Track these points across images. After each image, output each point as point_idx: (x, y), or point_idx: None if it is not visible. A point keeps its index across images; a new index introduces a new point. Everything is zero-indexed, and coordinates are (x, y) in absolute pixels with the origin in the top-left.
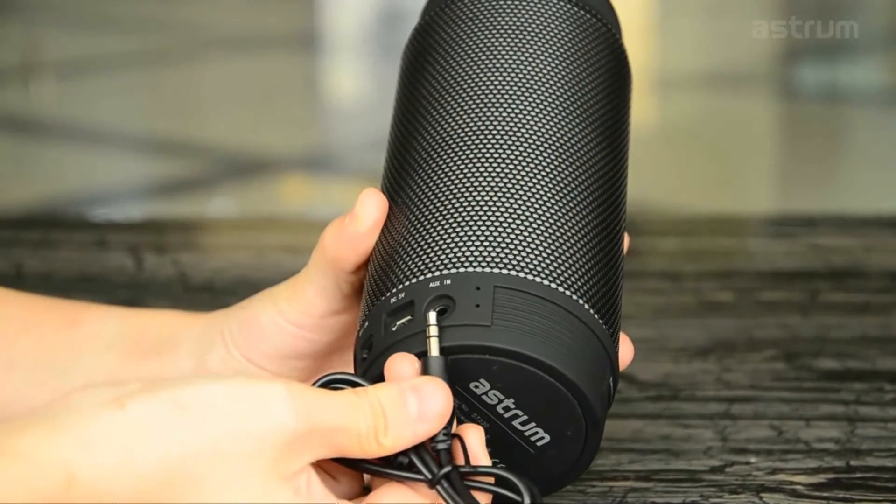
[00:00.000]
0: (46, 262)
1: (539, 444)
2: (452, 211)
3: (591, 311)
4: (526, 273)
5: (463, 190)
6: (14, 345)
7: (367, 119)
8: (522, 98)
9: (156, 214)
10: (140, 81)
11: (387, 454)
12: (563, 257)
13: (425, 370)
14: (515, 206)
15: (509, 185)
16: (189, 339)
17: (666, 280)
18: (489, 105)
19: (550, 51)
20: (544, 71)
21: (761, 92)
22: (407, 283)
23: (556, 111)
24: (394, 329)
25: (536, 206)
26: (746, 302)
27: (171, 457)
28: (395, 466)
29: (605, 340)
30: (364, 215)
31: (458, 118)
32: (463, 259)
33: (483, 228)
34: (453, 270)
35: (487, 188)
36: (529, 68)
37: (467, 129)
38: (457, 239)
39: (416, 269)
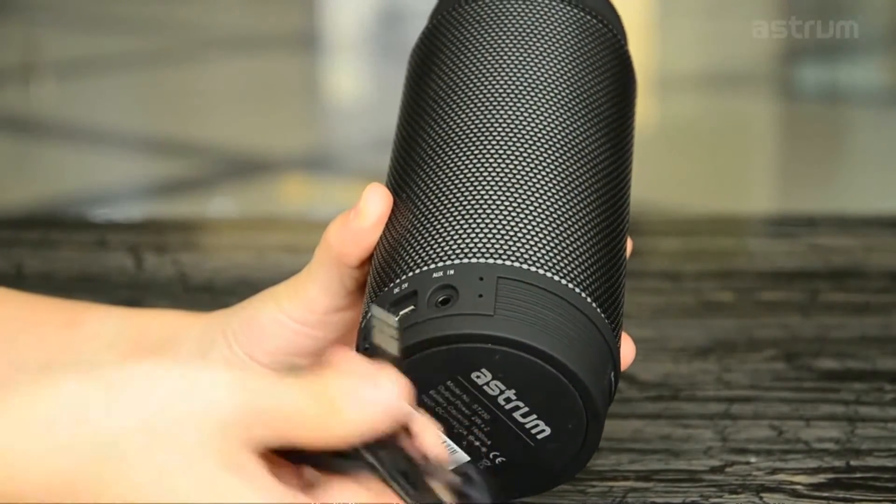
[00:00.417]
0: (46, 262)
1: (540, 437)
2: (457, 203)
3: (594, 304)
4: (529, 265)
5: (467, 184)
6: (14, 345)
7: (367, 119)
8: (528, 97)
9: (156, 214)
10: (140, 81)
11: (337, 444)
12: (567, 250)
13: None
14: (520, 199)
15: (514, 180)
16: (190, 339)
17: (666, 280)
18: (495, 104)
19: (556, 53)
20: (550, 72)
21: (762, 92)
22: (410, 274)
23: (561, 110)
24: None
25: (540, 200)
26: (746, 302)
27: (103, 435)
28: (347, 460)
29: (606, 334)
30: (368, 210)
31: (463, 117)
32: (466, 250)
33: (487, 220)
34: (457, 261)
35: (492, 182)
36: (535, 69)
37: (472, 127)
38: (460, 230)
39: (419, 260)
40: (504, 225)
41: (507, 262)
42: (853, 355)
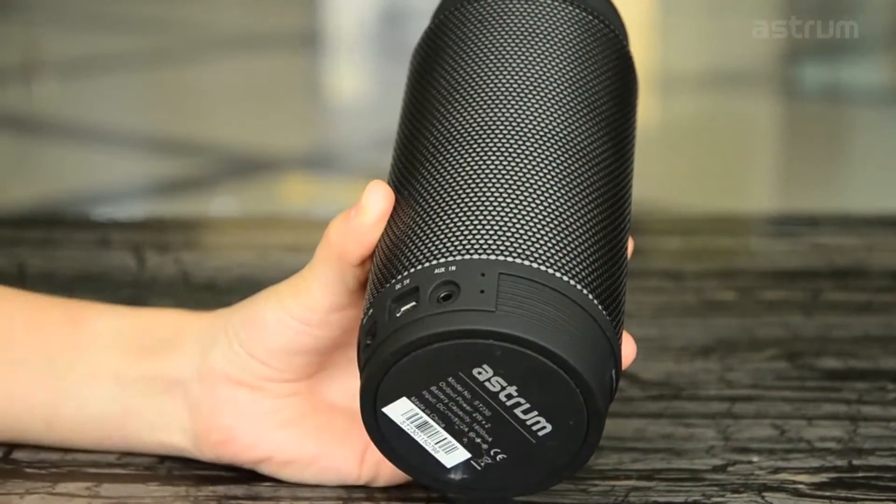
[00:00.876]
0: (49, 261)
1: (541, 433)
2: (459, 200)
3: (595, 301)
4: (531, 261)
5: (469, 181)
6: (16, 344)
7: (368, 118)
8: (530, 96)
9: (158, 213)
10: (142, 80)
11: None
12: (568, 247)
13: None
14: (521, 196)
15: (516, 177)
16: (192, 337)
17: (668, 279)
18: (497, 103)
19: (557, 53)
20: (551, 71)
21: (763, 91)
22: (412, 270)
23: (563, 109)
24: (398, 315)
25: (542, 197)
26: (748, 301)
27: None
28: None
29: (608, 331)
30: (370, 207)
31: (465, 115)
32: (468, 246)
33: (489, 217)
34: (458, 257)
35: (494, 179)
36: (536, 69)
37: (475, 125)
38: (462, 227)
39: (421, 256)
40: (506, 221)
41: (509, 259)
42: (855, 354)
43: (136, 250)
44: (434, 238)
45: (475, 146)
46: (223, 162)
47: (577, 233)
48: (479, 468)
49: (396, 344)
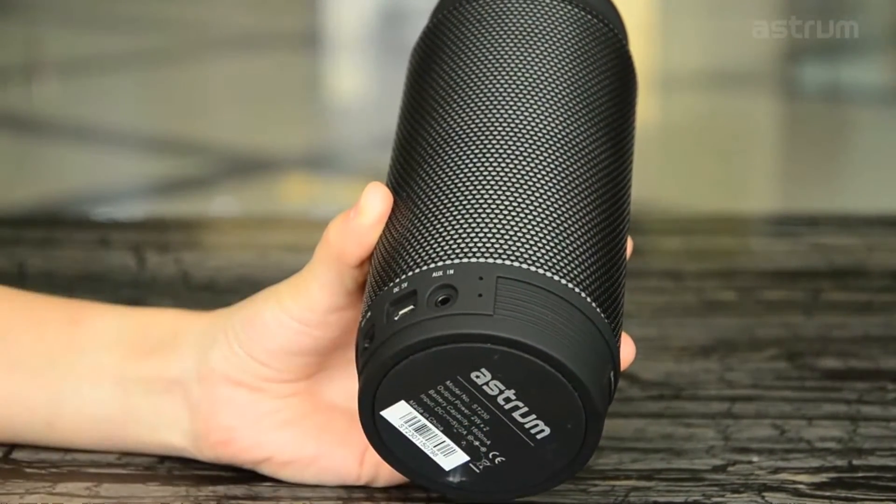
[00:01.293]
0: (49, 260)
1: (539, 437)
2: (456, 203)
3: (593, 304)
4: (529, 264)
5: (467, 183)
6: (16, 343)
7: (369, 118)
8: (528, 96)
9: (158, 213)
10: (142, 80)
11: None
12: (566, 250)
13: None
14: (519, 198)
15: (513, 179)
16: (192, 337)
17: (668, 279)
18: (495, 103)
19: (557, 53)
20: (550, 71)
21: (763, 91)
22: (410, 273)
23: (561, 109)
24: (396, 318)
25: (540, 199)
26: (748, 301)
27: None
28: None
29: (606, 334)
30: (369, 208)
31: (463, 116)
32: (466, 249)
33: (487, 220)
34: (456, 260)
35: (492, 181)
36: (535, 69)
37: (472, 126)
38: (460, 230)
39: (419, 260)
40: (504, 224)
41: (507, 262)
42: (855, 354)
43: (136, 250)
44: (432, 241)
45: (473, 147)
46: (223, 162)
47: (575, 235)
48: (477, 471)
49: (394, 347)
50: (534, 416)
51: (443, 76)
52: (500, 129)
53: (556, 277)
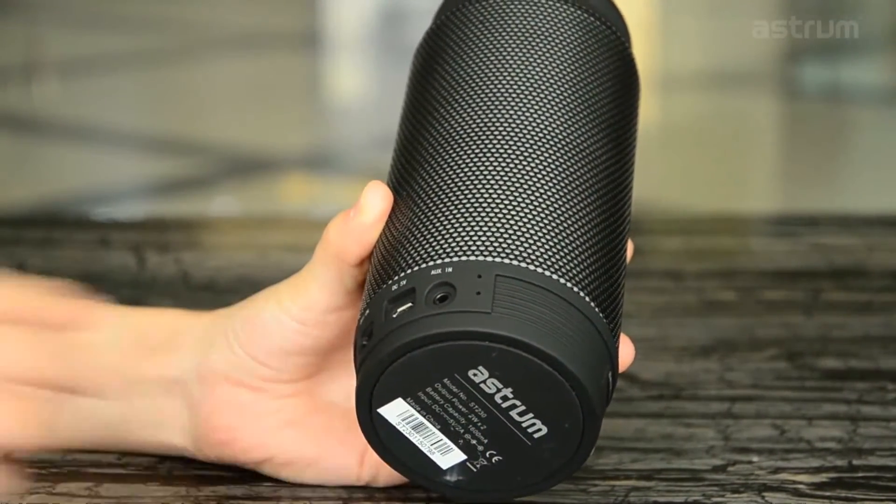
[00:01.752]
0: (48, 261)
1: (536, 436)
2: (456, 201)
3: (592, 303)
4: (528, 263)
5: (468, 182)
6: None
7: (369, 118)
8: (529, 97)
9: (158, 213)
10: (142, 80)
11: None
12: (566, 250)
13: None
14: (519, 197)
15: (514, 178)
16: (192, 337)
17: (668, 279)
18: (496, 103)
19: (558, 54)
20: (552, 72)
21: (764, 91)
22: (409, 271)
23: (563, 110)
24: (394, 316)
25: (540, 198)
26: (749, 301)
27: None
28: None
29: (604, 334)
30: (369, 207)
31: (465, 116)
32: (465, 247)
33: (486, 218)
34: (455, 258)
35: (492, 180)
36: (538, 70)
37: (474, 127)
38: (459, 228)
39: (418, 258)
40: (503, 223)
41: (506, 261)
42: (855, 354)
43: (136, 250)
44: (431, 239)
45: (474, 147)
46: (223, 162)
47: (575, 235)
48: (474, 470)
49: (392, 345)
50: (531, 415)
51: (445, 77)
52: (501, 129)
53: (554, 277)
